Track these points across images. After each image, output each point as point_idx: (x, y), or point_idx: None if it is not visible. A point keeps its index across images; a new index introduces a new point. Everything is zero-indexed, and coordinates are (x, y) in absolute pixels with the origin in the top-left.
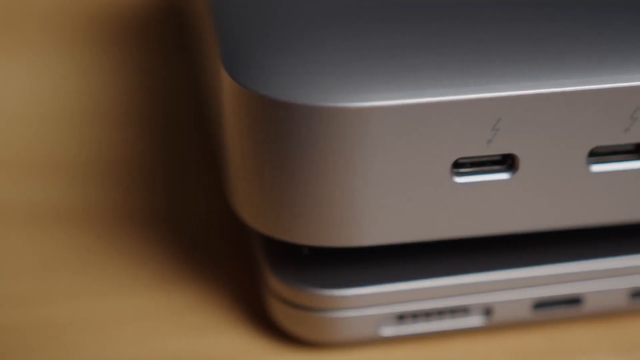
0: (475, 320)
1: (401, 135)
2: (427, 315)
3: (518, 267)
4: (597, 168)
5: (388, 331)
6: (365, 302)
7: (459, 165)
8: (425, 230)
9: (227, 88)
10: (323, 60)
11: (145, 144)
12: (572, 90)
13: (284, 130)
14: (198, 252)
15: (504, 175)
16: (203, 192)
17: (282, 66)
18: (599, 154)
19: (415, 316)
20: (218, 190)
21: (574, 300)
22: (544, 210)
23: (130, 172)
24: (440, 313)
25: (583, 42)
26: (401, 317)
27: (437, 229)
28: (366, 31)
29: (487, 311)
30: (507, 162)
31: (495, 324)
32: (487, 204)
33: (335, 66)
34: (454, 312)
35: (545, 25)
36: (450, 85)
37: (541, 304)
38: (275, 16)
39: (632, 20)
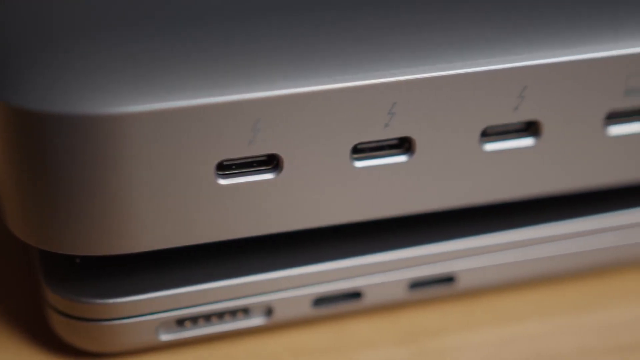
0: (257, 320)
1: (160, 140)
2: (207, 318)
3: (295, 266)
4: (360, 164)
5: (168, 336)
6: (141, 310)
7: (224, 168)
8: (195, 234)
9: None
10: (75, 68)
11: None
12: (329, 88)
13: (39, 140)
14: None
15: (269, 175)
16: None
17: (33, 75)
18: (361, 151)
19: (194, 320)
20: None
21: (354, 295)
22: (311, 208)
23: None
24: (221, 315)
25: (332, 42)
26: (180, 322)
27: (206, 232)
28: (120, 38)
29: (268, 311)
30: (273, 162)
31: (278, 322)
32: (255, 204)
33: (86, 74)
34: (234, 313)
35: (296, 27)
36: (206, 88)
37: (321, 300)
38: (29, 25)
39: (380, 19)
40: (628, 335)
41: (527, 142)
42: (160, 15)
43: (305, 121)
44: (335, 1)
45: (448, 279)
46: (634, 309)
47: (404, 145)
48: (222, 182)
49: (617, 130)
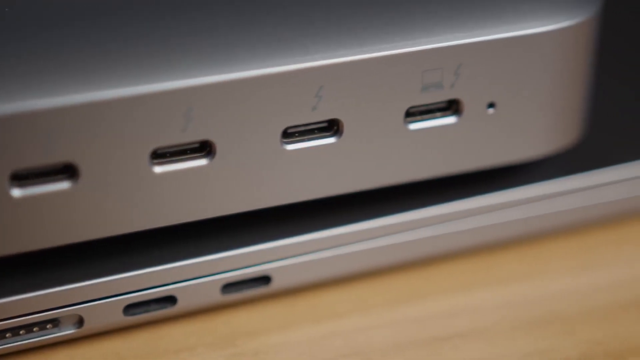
0: (67, 331)
1: None
2: (15, 331)
3: (104, 275)
4: (160, 169)
5: None
6: None
7: (19, 178)
8: None
9: None
10: None
11: None
12: (122, 96)
13: None
14: None
15: (65, 185)
16: None
17: None
18: (160, 155)
19: (1, 334)
20: None
21: (167, 300)
22: (109, 216)
23: None
24: (29, 328)
25: (126, 48)
26: None
27: (4, 244)
28: None
29: (79, 320)
30: (69, 171)
31: (90, 331)
32: (51, 215)
33: None
34: (43, 325)
35: (82, 35)
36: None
37: (133, 307)
38: None
39: (172, 23)
40: (443, 328)
41: (329, 140)
42: None
43: (100, 129)
44: (129, 6)
45: (264, 280)
46: (447, 301)
47: (205, 149)
48: (17, 192)
49: (418, 125)
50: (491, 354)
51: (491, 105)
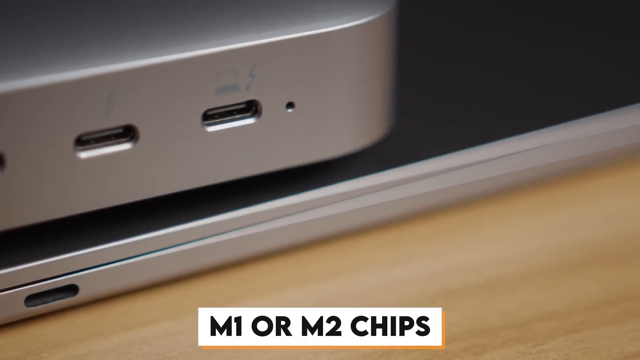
0: None
1: None
2: None
3: None
4: None
5: None
6: None
7: None
8: None
9: None
10: None
11: None
12: None
13: None
14: None
15: None
16: None
17: None
18: None
19: None
20: None
21: None
22: None
23: None
24: None
25: None
26: None
27: None
28: None
29: None
30: None
31: None
32: None
33: None
34: None
35: None
36: None
37: None
38: None
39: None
40: None
41: (125, 147)
42: None
43: None
44: None
45: (70, 290)
46: (260, 301)
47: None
48: None
49: (216, 128)
50: (303, 352)
51: (290, 104)
